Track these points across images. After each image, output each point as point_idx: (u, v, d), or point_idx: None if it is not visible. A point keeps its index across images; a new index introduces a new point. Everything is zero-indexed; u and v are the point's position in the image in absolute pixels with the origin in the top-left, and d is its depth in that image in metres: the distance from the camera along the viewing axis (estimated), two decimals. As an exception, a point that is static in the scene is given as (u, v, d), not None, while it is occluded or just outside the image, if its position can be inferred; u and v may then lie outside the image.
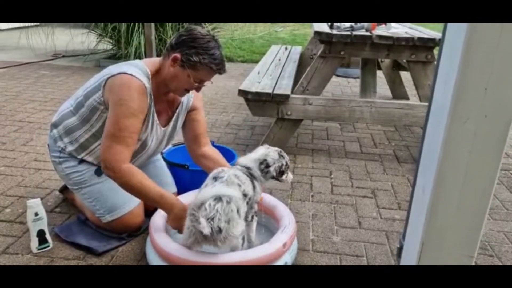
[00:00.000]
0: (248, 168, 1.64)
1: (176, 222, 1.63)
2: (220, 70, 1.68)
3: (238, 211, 1.46)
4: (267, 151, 1.69)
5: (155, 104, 1.75)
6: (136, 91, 1.62)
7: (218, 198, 1.43)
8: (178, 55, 1.64)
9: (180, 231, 1.63)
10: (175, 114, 1.88)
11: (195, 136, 1.95)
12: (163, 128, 1.84)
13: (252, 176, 1.63)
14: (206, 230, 1.39)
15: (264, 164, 1.65)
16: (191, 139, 1.96)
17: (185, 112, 1.93)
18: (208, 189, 1.50)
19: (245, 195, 1.55)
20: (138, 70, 1.66)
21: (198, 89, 1.75)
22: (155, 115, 1.77)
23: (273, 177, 1.68)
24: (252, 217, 1.67)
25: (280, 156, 1.69)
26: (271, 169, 1.64)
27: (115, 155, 1.60)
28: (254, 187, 1.62)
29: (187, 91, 1.75)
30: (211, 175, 1.61)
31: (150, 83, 1.69)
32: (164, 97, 1.80)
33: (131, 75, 1.63)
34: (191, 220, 1.41)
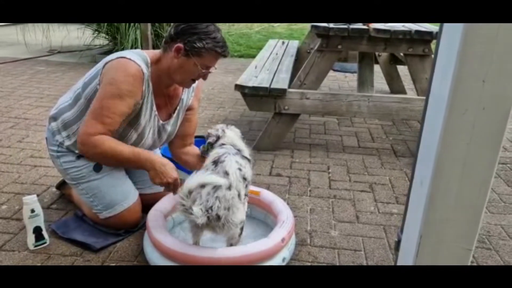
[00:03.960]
0: (239, 150, 1.64)
1: (159, 178, 1.64)
2: (225, 52, 1.67)
3: (239, 195, 1.47)
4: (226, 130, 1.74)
5: (155, 97, 1.74)
6: (131, 74, 1.61)
7: (218, 186, 1.43)
8: (180, 45, 1.62)
9: (165, 185, 1.65)
10: (176, 111, 1.87)
11: (183, 136, 1.96)
12: (162, 122, 1.82)
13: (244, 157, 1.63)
14: (200, 220, 1.39)
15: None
16: (179, 136, 1.96)
17: (184, 110, 1.92)
18: (196, 176, 1.45)
19: (244, 178, 1.55)
20: (137, 56, 1.66)
21: (204, 77, 1.73)
22: (154, 105, 1.75)
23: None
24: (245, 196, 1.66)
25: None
26: None
27: (86, 128, 1.61)
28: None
29: (193, 81, 1.73)
30: (211, 158, 1.58)
31: (149, 70, 1.67)
32: (165, 90, 1.78)
33: (130, 59, 1.63)
34: (182, 211, 1.41)
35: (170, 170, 1.65)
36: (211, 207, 1.41)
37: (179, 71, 1.67)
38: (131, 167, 1.76)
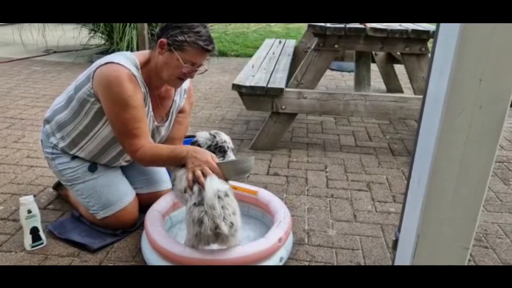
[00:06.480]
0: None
1: (191, 163, 1.57)
2: (208, 46, 1.62)
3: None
4: (200, 134, 1.80)
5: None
6: (125, 80, 1.58)
7: (217, 197, 1.44)
8: (164, 39, 1.61)
9: (196, 172, 1.57)
10: (170, 113, 1.86)
11: (172, 139, 1.91)
12: (156, 123, 1.81)
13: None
14: (226, 230, 1.42)
15: (196, 144, 1.74)
16: (168, 139, 1.91)
17: (177, 111, 1.90)
18: (208, 190, 1.46)
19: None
20: (126, 60, 1.63)
21: (191, 75, 1.68)
22: (151, 106, 1.74)
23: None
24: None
25: (213, 135, 1.76)
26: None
27: (128, 148, 1.67)
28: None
29: (181, 80, 1.69)
30: (184, 181, 1.58)
31: (140, 73, 1.65)
32: (155, 92, 1.77)
33: (118, 63, 1.60)
34: (211, 218, 1.42)
35: (202, 155, 1.59)
36: (224, 217, 1.43)
37: (164, 67, 1.64)
38: (174, 164, 1.72)
